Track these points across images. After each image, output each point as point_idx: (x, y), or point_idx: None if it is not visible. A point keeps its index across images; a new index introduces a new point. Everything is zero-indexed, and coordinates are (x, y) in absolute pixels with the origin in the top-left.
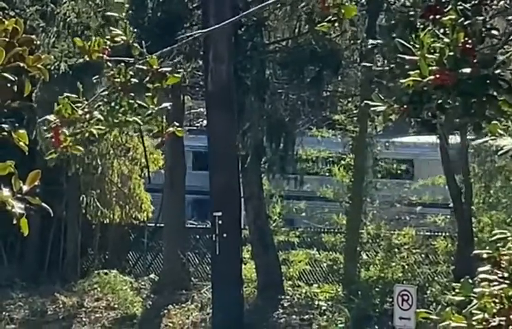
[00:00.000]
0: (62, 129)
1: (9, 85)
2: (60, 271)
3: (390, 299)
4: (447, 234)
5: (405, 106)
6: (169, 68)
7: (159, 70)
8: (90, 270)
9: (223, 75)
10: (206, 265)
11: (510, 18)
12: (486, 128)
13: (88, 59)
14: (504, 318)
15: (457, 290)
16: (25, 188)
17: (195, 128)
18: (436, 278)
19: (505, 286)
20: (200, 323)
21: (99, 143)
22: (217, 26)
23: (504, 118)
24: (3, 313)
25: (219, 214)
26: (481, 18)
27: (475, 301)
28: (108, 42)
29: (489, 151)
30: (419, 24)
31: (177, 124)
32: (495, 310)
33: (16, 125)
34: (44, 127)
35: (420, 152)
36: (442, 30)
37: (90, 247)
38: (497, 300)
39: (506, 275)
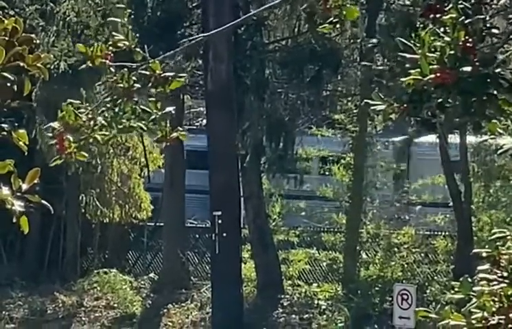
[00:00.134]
0: (66, 135)
1: (9, 84)
2: (60, 270)
3: (390, 299)
4: (447, 233)
5: (405, 105)
6: (171, 73)
7: (162, 75)
8: (89, 269)
9: (223, 75)
10: (206, 264)
11: (510, 17)
12: (485, 127)
13: (90, 64)
14: (503, 316)
15: (456, 289)
16: (25, 186)
17: (194, 128)
18: (435, 277)
19: (504, 285)
20: (200, 323)
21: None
22: (220, 28)
23: (504, 117)
24: (3, 312)
25: (219, 213)
26: (481, 17)
27: (474, 299)
28: (111, 48)
29: (488, 150)
30: (418, 23)
31: (180, 128)
32: (494, 309)
33: (16, 124)
34: (49, 133)
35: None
36: (442, 29)
37: (90, 246)
38: (496, 299)
39: (505, 274)
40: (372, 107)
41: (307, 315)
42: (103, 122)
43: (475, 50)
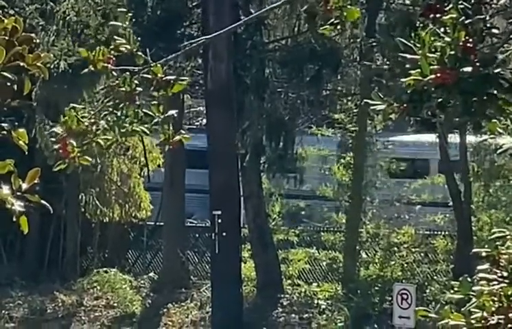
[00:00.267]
0: (69, 139)
1: (9, 84)
2: (60, 270)
3: (390, 298)
4: (447, 232)
5: (405, 105)
6: (173, 77)
7: (164, 78)
8: (89, 268)
9: (222, 74)
10: (206, 264)
11: (510, 16)
12: (485, 127)
13: (93, 69)
14: (502, 316)
15: (456, 289)
16: (25, 186)
17: (194, 127)
18: (435, 277)
19: (504, 285)
20: (200, 322)
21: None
22: (222, 31)
23: (504, 117)
24: (3, 312)
25: (219, 212)
26: (481, 17)
27: (474, 299)
28: (113, 52)
29: (488, 149)
30: (418, 23)
31: (183, 131)
32: (493, 309)
33: (16, 123)
34: (51, 136)
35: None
36: (442, 29)
37: (90, 246)
38: (496, 298)
39: (505, 273)
40: (372, 107)
41: (306, 315)
42: (105, 126)
43: (476, 50)
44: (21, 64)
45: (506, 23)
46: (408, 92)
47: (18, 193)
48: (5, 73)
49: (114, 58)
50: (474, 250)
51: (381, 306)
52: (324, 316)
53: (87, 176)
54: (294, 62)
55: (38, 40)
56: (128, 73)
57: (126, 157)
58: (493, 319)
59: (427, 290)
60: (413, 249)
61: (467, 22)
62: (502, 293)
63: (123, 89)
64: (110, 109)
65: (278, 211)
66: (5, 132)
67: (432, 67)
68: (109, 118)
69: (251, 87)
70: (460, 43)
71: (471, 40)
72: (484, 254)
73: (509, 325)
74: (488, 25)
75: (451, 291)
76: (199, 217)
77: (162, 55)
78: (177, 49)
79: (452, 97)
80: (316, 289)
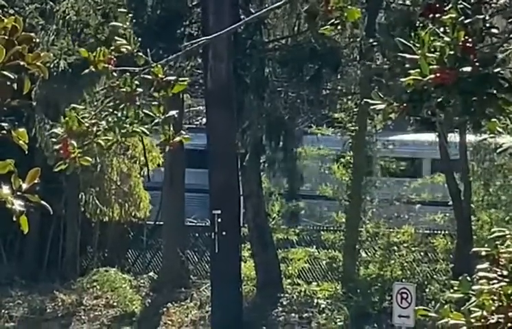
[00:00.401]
0: (69, 140)
1: (8, 83)
2: (59, 269)
3: (389, 297)
4: (446, 232)
5: (404, 105)
6: (173, 78)
7: (164, 78)
8: (89, 268)
9: (222, 73)
10: (206, 263)
11: (510, 16)
12: (485, 126)
13: (93, 69)
14: (502, 315)
15: (456, 288)
16: (25, 186)
17: (194, 126)
18: (435, 276)
19: (504, 284)
20: (199, 321)
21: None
22: (222, 31)
23: (503, 117)
24: (3, 311)
25: (219, 212)
26: (481, 16)
27: (474, 298)
28: (113, 52)
29: (488, 149)
30: (418, 23)
31: (183, 132)
32: (493, 308)
33: (16, 123)
34: (52, 137)
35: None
36: (442, 29)
37: (90, 245)
38: (495, 297)
39: (505, 273)
40: (372, 107)
41: (306, 314)
42: (106, 126)
43: (475, 50)
44: (21, 63)
45: (506, 23)
46: (408, 91)
47: (19, 193)
48: (5, 72)
49: (114, 59)
50: (474, 249)
51: (380, 305)
52: (324, 315)
53: (87, 176)
54: (293, 62)
55: (37, 40)
56: (128, 74)
57: (126, 157)
58: (492, 318)
59: (427, 290)
60: (413, 249)
61: (466, 22)
62: (501, 292)
63: (124, 89)
64: (111, 109)
65: (278, 210)
66: (5, 132)
67: (431, 67)
68: (109, 119)
69: (251, 86)
70: (460, 43)
71: (470, 39)
72: (484, 253)
73: (509, 324)
74: (487, 25)
75: (451, 290)
76: (199, 217)
77: (162, 54)
78: (177, 48)
79: (452, 97)
80: (315, 288)
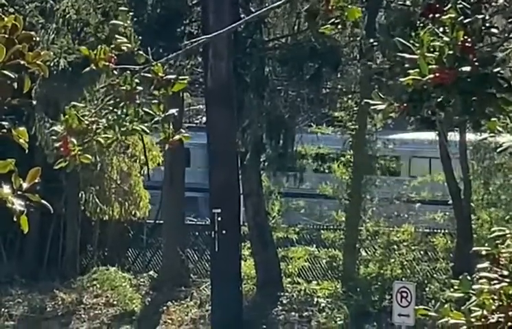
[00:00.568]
0: (69, 138)
1: (9, 82)
2: (59, 268)
3: (389, 296)
4: (446, 230)
5: (404, 104)
6: (174, 76)
7: (164, 77)
8: (89, 267)
9: (222, 72)
10: (206, 262)
11: (509, 16)
12: (485, 125)
13: (94, 68)
14: (502, 315)
15: (456, 287)
16: (25, 185)
17: (194, 125)
18: (435, 275)
19: (505, 284)
20: (199, 320)
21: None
22: (223, 30)
23: (503, 116)
24: (2, 310)
25: (219, 211)
26: (480, 16)
27: (474, 298)
28: (114, 50)
29: (488, 148)
30: (418, 22)
31: (183, 131)
32: (494, 307)
33: (16, 122)
34: (52, 135)
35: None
36: (441, 29)
37: (90, 244)
38: (496, 297)
39: (505, 273)
40: (372, 107)
41: (306, 313)
42: (106, 125)
43: (475, 49)
44: (21, 62)
45: (505, 22)
46: (408, 91)
47: (19, 192)
48: (5, 71)
49: (115, 57)
50: (474, 248)
51: (380, 304)
52: (324, 314)
53: (87, 174)
54: (294, 60)
55: (37, 38)
56: (128, 72)
57: (126, 156)
58: (493, 318)
59: (427, 289)
60: (413, 247)
61: (465, 21)
62: (502, 292)
63: (124, 88)
64: (111, 107)
65: (278, 209)
66: (5, 131)
67: (430, 67)
68: (109, 117)
69: (251, 85)
70: (459, 43)
71: (469, 39)
72: (484, 253)
73: (509, 324)
74: (487, 25)
75: (451, 289)
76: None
77: (162, 53)
78: (177, 47)
79: (451, 97)
80: (315, 287)
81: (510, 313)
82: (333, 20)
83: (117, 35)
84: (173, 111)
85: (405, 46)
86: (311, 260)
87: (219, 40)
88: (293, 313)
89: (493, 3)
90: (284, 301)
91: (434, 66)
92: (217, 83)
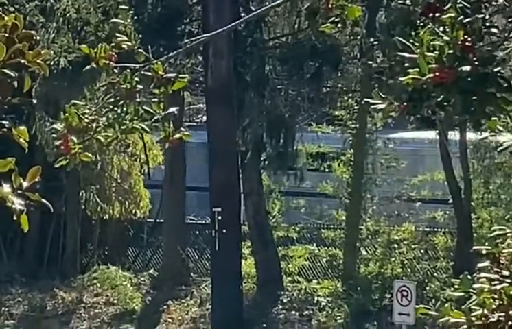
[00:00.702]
0: (69, 136)
1: (9, 81)
2: (60, 267)
3: (390, 295)
4: (447, 229)
5: (404, 104)
6: (174, 75)
7: (164, 75)
8: (89, 265)
9: (223, 71)
10: (206, 261)
11: (509, 15)
12: (485, 124)
13: (95, 66)
14: (503, 314)
15: (456, 286)
16: (25, 184)
17: (194, 124)
18: (435, 274)
19: (506, 284)
20: (199, 319)
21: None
22: (223, 29)
23: (503, 115)
24: (3, 309)
25: (219, 209)
26: (480, 15)
27: (474, 297)
28: (114, 49)
29: (488, 147)
30: (418, 22)
31: (183, 129)
32: (494, 306)
33: (16, 121)
34: (52, 132)
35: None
36: (441, 28)
37: (90, 243)
38: (496, 296)
39: (506, 273)
40: (372, 106)
41: (306, 312)
42: (106, 123)
43: (474, 49)
44: (21, 61)
45: (506, 22)
46: (408, 91)
47: (19, 191)
48: (5, 70)
49: (115, 55)
50: (474, 247)
51: (381, 303)
52: (324, 313)
53: (87, 173)
54: (294, 59)
55: (38, 37)
56: (128, 71)
57: (126, 155)
58: (493, 317)
59: (427, 288)
60: (413, 246)
61: (465, 21)
62: (502, 291)
63: (124, 86)
64: (111, 106)
65: (278, 209)
66: (5, 130)
67: (430, 66)
68: (110, 115)
69: (251, 84)
70: (459, 42)
71: (469, 39)
72: (484, 252)
73: (510, 323)
74: (487, 24)
75: (452, 288)
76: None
77: (162, 52)
78: (177, 46)
79: (451, 96)
80: (316, 286)
81: (510, 312)
82: (333, 19)
83: (117, 34)
84: (173, 109)
85: (405, 45)
86: (312, 258)
87: (219, 38)
88: (293, 312)
89: (493, 3)
90: (284, 300)
91: (434, 66)
92: (217, 82)
